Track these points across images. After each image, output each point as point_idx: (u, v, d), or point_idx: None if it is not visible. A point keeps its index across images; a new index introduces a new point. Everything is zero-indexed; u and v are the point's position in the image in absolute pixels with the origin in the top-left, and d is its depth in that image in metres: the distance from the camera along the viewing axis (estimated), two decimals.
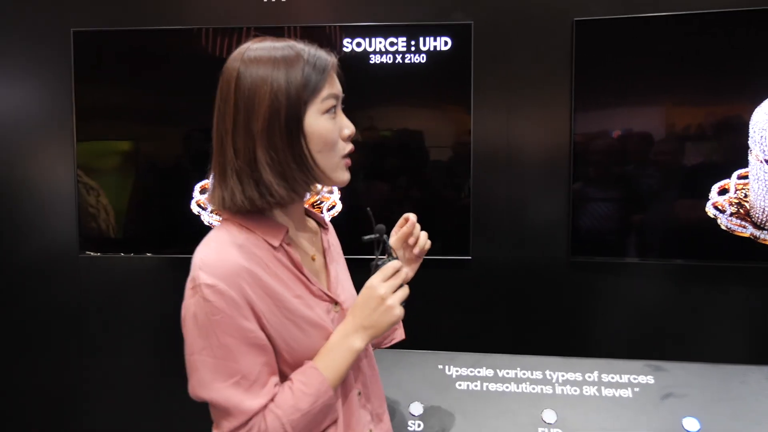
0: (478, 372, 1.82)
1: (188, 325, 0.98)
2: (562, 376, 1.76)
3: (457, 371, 1.84)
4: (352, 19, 2.48)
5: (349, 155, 1.09)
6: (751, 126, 2.29)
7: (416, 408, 1.73)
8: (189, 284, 0.98)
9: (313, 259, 1.15)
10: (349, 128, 1.08)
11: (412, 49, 2.41)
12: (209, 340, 0.96)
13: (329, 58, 1.05)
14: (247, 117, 0.99)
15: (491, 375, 1.81)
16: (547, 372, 1.78)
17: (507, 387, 1.77)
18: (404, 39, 2.41)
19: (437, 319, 2.56)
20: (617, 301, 2.50)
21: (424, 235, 1.35)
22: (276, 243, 1.04)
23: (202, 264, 0.97)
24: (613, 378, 1.72)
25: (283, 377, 1.04)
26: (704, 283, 2.44)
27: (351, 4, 2.52)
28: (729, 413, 1.58)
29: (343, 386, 1.10)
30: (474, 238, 2.49)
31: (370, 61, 2.43)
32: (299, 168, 1.02)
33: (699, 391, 1.65)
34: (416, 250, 1.34)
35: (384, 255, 1.13)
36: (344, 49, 2.43)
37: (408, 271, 1.21)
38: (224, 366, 0.96)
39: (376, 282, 1.06)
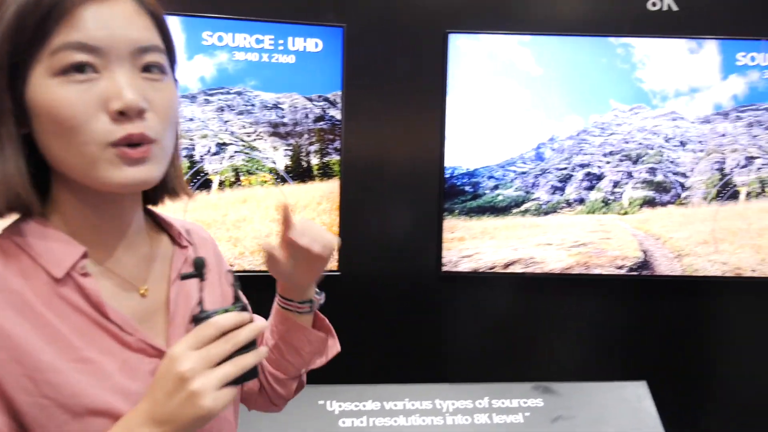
0: (364, 406, 1.68)
1: None
2: (453, 404, 1.67)
3: (340, 406, 1.68)
4: (215, 11, 2.22)
5: (132, 144, 0.67)
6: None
7: None
8: None
9: (143, 295, 0.77)
10: (119, 99, 0.66)
11: (280, 48, 2.22)
12: None
13: None
14: None
15: (378, 408, 1.67)
16: (437, 401, 1.68)
17: (395, 421, 1.64)
18: (272, 37, 2.21)
19: None
20: (489, 315, 2.52)
21: (310, 226, 0.87)
22: (59, 273, 0.70)
23: None
24: (503, 403, 1.67)
25: None
26: (571, 294, 2.54)
27: None
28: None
29: None
30: (342, 252, 2.35)
31: (234, 58, 2.19)
32: (11, 162, 0.68)
33: (585, 412, 1.66)
34: (303, 241, 0.85)
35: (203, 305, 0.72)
36: (203, 42, 2.16)
37: (257, 326, 0.70)
38: None
39: (179, 351, 0.65)
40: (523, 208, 2.49)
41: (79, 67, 0.65)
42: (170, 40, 0.75)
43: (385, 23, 2.39)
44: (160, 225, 0.85)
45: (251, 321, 0.69)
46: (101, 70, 0.66)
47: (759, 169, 2.46)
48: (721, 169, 2.46)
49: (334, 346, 1.04)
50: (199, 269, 0.72)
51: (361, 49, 2.34)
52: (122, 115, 0.66)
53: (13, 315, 0.66)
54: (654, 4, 2.41)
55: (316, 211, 2.36)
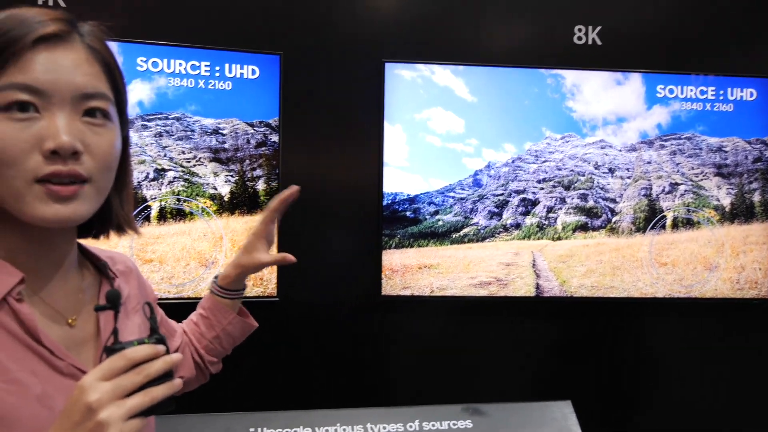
0: None
1: None
2: (384, 428, 1.67)
3: None
4: (150, 36, 2.22)
5: (61, 181, 0.70)
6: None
7: None
8: None
9: (71, 324, 0.79)
10: (53, 139, 0.69)
11: (217, 74, 2.23)
12: None
13: (24, 30, 0.70)
14: None
15: None
16: (369, 425, 1.68)
17: None
18: (207, 63, 2.22)
19: (243, 370, 2.33)
20: (423, 339, 2.54)
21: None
22: None
23: None
24: (434, 425, 1.68)
25: None
26: (500, 316, 2.58)
27: (150, 21, 2.25)
28: None
29: None
30: (281, 278, 2.34)
31: (168, 84, 2.18)
32: None
33: None
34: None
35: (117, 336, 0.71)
36: (138, 68, 2.15)
37: (170, 358, 0.70)
38: None
39: (88, 382, 0.65)
40: (462, 233, 2.54)
41: (22, 106, 0.69)
42: (120, 89, 0.79)
43: (323, 51, 2.43)
44: (86, 256, 0.86)
45: (166, 353, 0.70)
46: (42, 111, 0.69)
47: (682, 195, 2.58)
48: (648, 195, 2.57)
49: (252, 324, 1.21)
50: (112, 302, 0.72)
51: (298, 77, 2.37)
52: (55, 155, 0.69)
53: None
54: (579, 39, 2.53)
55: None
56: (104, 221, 0.83)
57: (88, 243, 0.89)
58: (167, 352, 0.70)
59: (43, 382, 0.73)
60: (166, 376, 0.69)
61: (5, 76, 0.68)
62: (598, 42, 2.54)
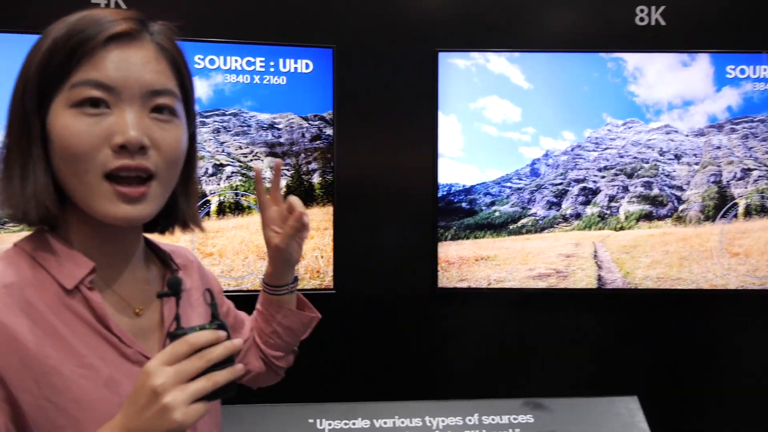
0: (353, 424, 1.67)
1: None
2: (443, 422, 1.66)
3: (330, 425, 1.67)
4: (206, 34, 2.26)
5: (126, 176, 0.73)
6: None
7: None
8: None
9: (138, 313, 0.82)
10: (122, 134, 0.71)
11: (272, 69, 2.25)
12: None
13: (97, 29, 0.73)
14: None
15: (367, 426, 1.66)
16: (427, 418, 1.67)
17: None
18: (263, 59, 2.24)
19: (301, 363, 2.36)
20: (481, 332, 2.50)
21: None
22: (69, 285, 0.75)
23: None
24: (493, 420, 1.65)
25: None
26: (570, 310, 2.52)
27: (206, 19, 2.30)
28: None
29: None
30: (337, 270, 2.35)
31: (225, 80, 2.22)
32: (28, 180, 0.73)
33: (576, 428, 1.63)
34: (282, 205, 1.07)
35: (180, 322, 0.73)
36: (195, 65, 2.20)
37: (232, 343, 0.71)
38: None
39: (153, 366, 0.67)
40: (519, 223, 2.49)
41: (94, 102, 0.72)
42: (188, 86, 0.82)
43: (375, 43, 2.41)
44: (152, 249, 0.90)
45: (227, 339, 0.71)
46: (112, 107, 0.73)
47: (756, 180, 2.44)
48: (717, 182, 2.45)
49: (316, 316, 1.18)
50: (173, 288, 0.74)
51: (351, 69, 2.37)
52: (123, 149, 0.72)
53: (26, 321, 0.72)
54: (642, 20, 2.43)
55: (319, 231, 2.36)
56: (170, 218, 0.86)
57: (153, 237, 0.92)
58: (228, 337, 0.71)
59: (112, 368, 0.76)
60: (227, 361, 0.71)
61: (79, 73, 0.72)
62: (662, 22, 2.42)
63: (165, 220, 0.87)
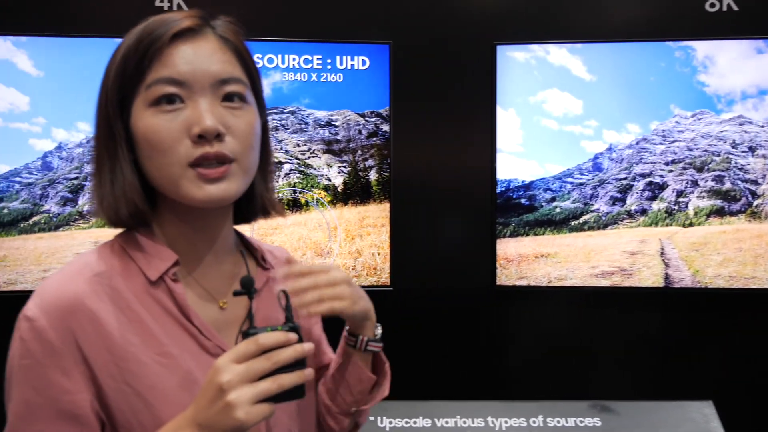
0: (414, 423, 1.65)
1: (6, 367, 0.77)
2: (506, 423, 1.62)
3: (390, 423, 1.66)
4: (264, 33, 2.29)
5: (208, 163, 0.76)
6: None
7: None
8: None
9: (222, 307, 0.85)
10: (199, 124, 0.75)
11: (329, 67, 2.25)
12: (14, 391, 0.75)
13: (163, 29, 0.77)
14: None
15: (429, 425, 1.64)
16: (489, 419, 1.64)
17: None
18: (320, 57, 2.25)
19: None
20: (544, 331, 2.45)
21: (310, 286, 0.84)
22: (154, 276, 0.80)
23: (38, 292, 0.77)
24: (558, 422, 1.61)
25: None
26: (631, 308, 2.43)
27: (264, 18, 2.33)
28: None
29: None
30: (394, 267, 2.34)
31: (283, 78, 2.25)
32: (117, 180, 0.79)
33: None
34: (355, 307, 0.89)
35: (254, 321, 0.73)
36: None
37: (301, 347, 0.71)
38: (20, 429, 0.73)
39: (222, 363, 0.69)
40: (581, 220, 2.41)
41: (169, 99, 0.76)
42: (255, 75, 0.85)
43: (432, 37, 2.39)
44: (246, 247, 0.93)
45: (299, 342, 0.71)
46: (186, 101, 0.77)
47: None
48: None
49: (381, 390, 0.99)
50: (246, 287, 0.76)
51: (408, 65, 2.35)
52: (201, 138, 0.76)
53: (112, 308, 0.77)
54: (712, 5, 2.31)
55: (376, 228, 2.35)
56: (251, 204, 0.88)
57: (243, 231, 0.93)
58: (300, 341, 0.71)
59: (190, 359, 0.79)
60: (298, 364, 0.70)
61: (152, 73, 0.76)
62: (734, 7, 2.30)
63: (247, 208, 0.89)
